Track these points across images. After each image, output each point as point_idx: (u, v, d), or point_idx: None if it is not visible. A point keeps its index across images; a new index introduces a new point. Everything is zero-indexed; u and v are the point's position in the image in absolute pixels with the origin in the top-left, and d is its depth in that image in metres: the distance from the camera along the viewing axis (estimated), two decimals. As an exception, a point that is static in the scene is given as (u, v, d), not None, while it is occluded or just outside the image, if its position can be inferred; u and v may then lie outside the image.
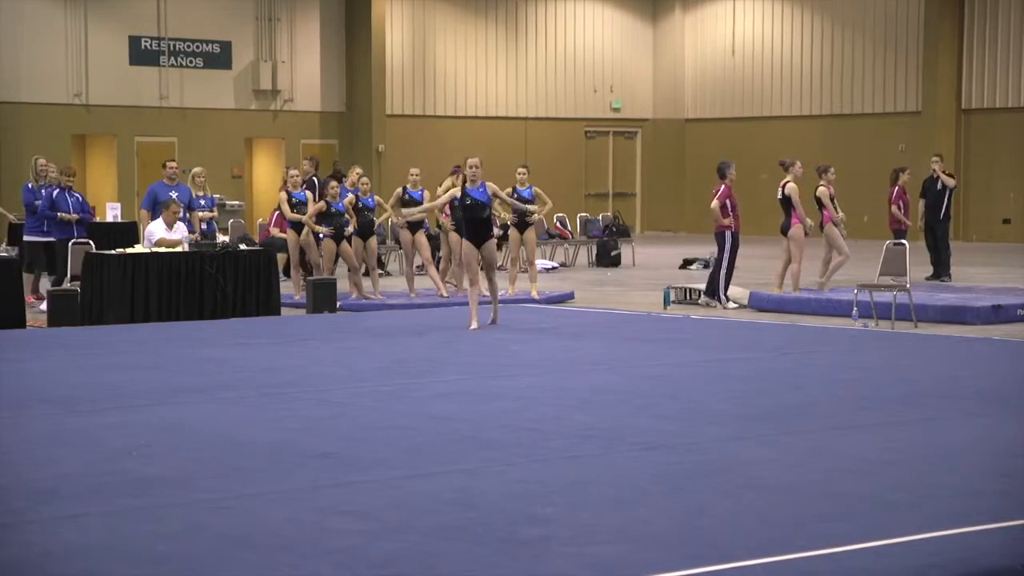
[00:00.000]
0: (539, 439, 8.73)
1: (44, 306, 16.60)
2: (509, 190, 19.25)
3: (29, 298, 17.48)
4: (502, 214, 19.75)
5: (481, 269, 15.25)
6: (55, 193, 18.14)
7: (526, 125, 36.11)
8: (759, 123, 36.15)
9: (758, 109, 36.40)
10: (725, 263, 18.00)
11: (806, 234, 18.16)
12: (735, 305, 18.00)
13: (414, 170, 19.51)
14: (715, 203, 18.07)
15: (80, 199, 18.37)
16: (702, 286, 18.68)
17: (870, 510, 6.92)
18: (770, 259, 18.81)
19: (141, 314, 15.82)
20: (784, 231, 18.35)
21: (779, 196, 18.41)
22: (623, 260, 26.39)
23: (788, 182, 18.29)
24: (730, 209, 18.10)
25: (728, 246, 17.97)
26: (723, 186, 18.18)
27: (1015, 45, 32.37)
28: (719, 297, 18.05)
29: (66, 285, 17.20)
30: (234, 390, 10.80)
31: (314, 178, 21.07)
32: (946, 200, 22.05)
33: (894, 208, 21.66)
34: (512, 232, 19.23)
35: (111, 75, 30.60)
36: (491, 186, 15.16)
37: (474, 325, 14.89)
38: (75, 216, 18.04)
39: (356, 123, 33.63)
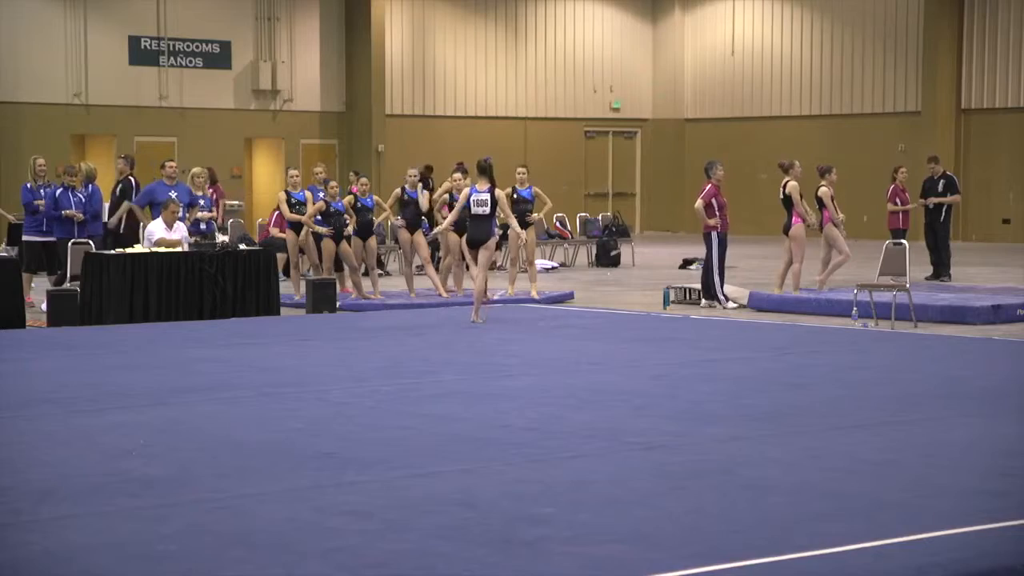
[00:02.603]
0: (539, 439, 8.73)
1: (44, 306, 16.59)
2: (509, 190, 19.31)
3: (28, 298, 17.47)
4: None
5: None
6: (58, 192, 18.06)
7: (526, 125, 36.11)
8: (759, 123, 36.16)
9: (758, 109, 36.41)
10: (715, 264, 17.98)
11: (808, 227, 18.13)
12: (735, 305, 18.00)
13: (411, 171, 19.53)
14: (699, 203, 18.05)
15: (83, 199, 18.19)
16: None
17: (870, 510, 6.92)
18: (770, 259, 18.83)
19: (141, 314, 15.82)
20: (786, 231, 18.34)
21: (780, 196, 18.42)
22: (623, 260, 26.38)
23: (789, 181, 18.29)
24: (717, 209, 18.06)
25: (715, 247, 17.93)
26: (709, 185, 18.15)
27: (1015, 45, 32.37)
28: (717, 297, 18.04)
29: (66, 285, 17.19)
30: (234, 390, 10.80)
31: (130, 177, 19.82)
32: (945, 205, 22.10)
33: (890, 205, 21.71)
34: (512, 232, 19.22)
35: (111, 75, 30.60)
36: (498, 192, 15.73)
37: (473, 318, 15.42)
38: (79, 214, 17.94)
39: (356, 123, 33.63)
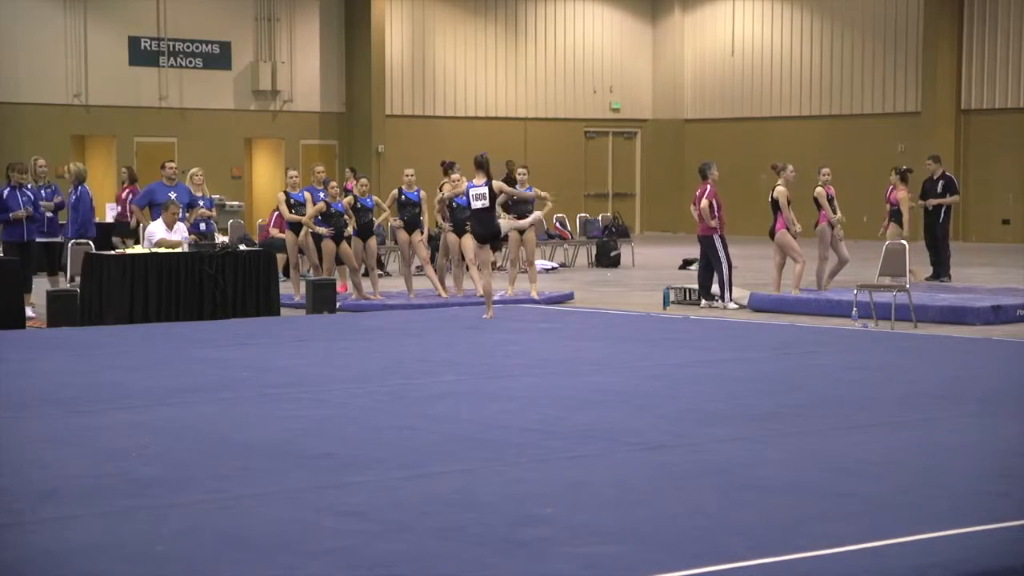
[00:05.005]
0: (539, 439, 8.73)
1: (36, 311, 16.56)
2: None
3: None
4: (502, 214, 19.78)
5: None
6: (6, 192, 17.35)
7: (526, 125, 36.11)
8: (758, 123, 36.16)
9: (757, 110, 36.40)
10: (725, 268, 17.97)
11: (794, 237, 18.11)
12: (736, 305, 17.99)
13: (408, 171, 19.54)
14: (705, 202, 18.04)
15: (31, 196, 17.45)
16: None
17: (870, 510, 6.92)
18: (770, 259, 18.85)
19: (141, 314, 15.82)
20: (771, 234, 18.34)
21: (769, 199, 18.44)
22: (623, 260, 26.39)
23: (777, 186, 18.29)
24: (716, 210, 18.07)
25: (721, 248, 17.94)
26: (708, 186, 18.16)
27: (1015, 45, 32.36)
28: (722, 298, 18.03)
29: (65, 286, 17.19)
30: (234, 390, 10.80)
31: None
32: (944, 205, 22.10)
33: (889, 206, 21.68)
34: (511, 233, 19.24)
35: (111, 75, 30.60)
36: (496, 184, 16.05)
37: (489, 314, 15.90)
38: (24, 212, 17.28)
39: (356, 123, 33.63)
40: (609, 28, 37.54)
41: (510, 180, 20.62)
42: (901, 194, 20.48)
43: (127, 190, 21.98)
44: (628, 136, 38.13)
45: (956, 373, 11.93)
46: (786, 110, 35.90)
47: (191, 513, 6.90)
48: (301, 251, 18.94)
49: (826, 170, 19.08)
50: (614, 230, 27.44)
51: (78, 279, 17.07)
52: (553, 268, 25.43)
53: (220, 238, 18.43)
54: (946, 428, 9.30)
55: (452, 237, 18.92)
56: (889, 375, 11.74)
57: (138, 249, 16.62)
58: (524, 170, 20.10)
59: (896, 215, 20.67)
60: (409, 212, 19.17)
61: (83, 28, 30.27)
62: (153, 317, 15.86)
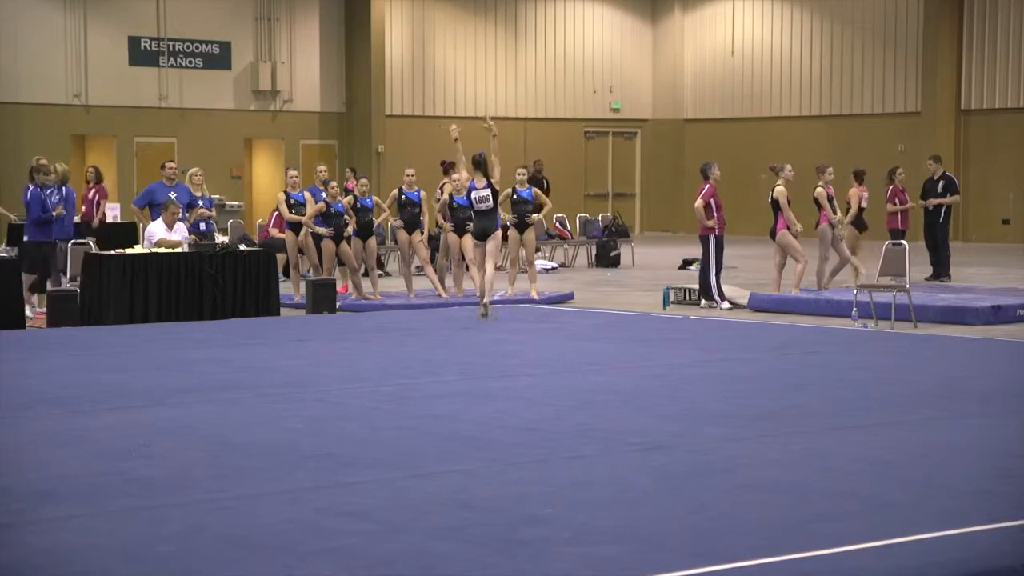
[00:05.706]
0: (539, 439, 8.73)
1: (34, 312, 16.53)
2: (508, 191, 19.38)
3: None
4: (502, 214, 19.80)
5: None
6: (41, 193, 17.54)
7: (526, 125, 36.11)
8: (758, 124, 36.16)
9: (757, 110, 36.40)
10: (713, 267, 18.00)
11: (795, 236, 18.11)
12: (728, 306, 17.97)
13: (409, 171, 19.56)
14: (699, 202, 18.07)
15: (54, 197, 17.66)
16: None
17: (870, 510, 6.92)
18: (770, 259, 18.87)
19: (141, 314, 15.82)
20: (772, 235, 18.34)
21: (769, 200, 18.44)
22: (622, 260, 26.39)
23: (776, 186, 18.29)
24: (715, 210, 18.08)
25: (712, 249, 17.95)
26: (707, 186, 18.18)
27: (1015, 45, 32.37)
28: (713, 298, 18.05)
29: (66, 285, 17.19)
30: (234, 390, 10.79)
31: None
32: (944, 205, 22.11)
33: (889, 206, 21.68)
34: (511, 232, 19.27)
35: (111, 75, 30.60)
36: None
37: (481, 311, 15.71)
38: (60, 210, 17.64)
39: (356, 123, 33.63)
40: (609, 28, 37.54)
41: (537, 180, 20.65)
42: (852, 190, 20.42)
43: (92, 190, 21.99)
44: (628, 136, 38.13)
45: (956, 373, 11.92)
46: (786, 110, 35.90)
47: (191, 513, 6.89)
48: (301, 251, 18.95)
49: (830, 169, 19.10)
50: (614, 230, 27.44)
51: (66, 278, 17.13)
52: (553, 268, 25.44)
53: (220, 238, 18.43)
54: (946, 428, 9.29)
55: (452, 237, 18.92)
56: (889, 375, 11.74)
57: (138, 249, 16.61)
58: (524, 170, 20.10)
59: (859, 215, 20.46)
60: (409, 212, 19.18)
61: (83, 28, 30.27)
62: (153, 317, 15.86)
